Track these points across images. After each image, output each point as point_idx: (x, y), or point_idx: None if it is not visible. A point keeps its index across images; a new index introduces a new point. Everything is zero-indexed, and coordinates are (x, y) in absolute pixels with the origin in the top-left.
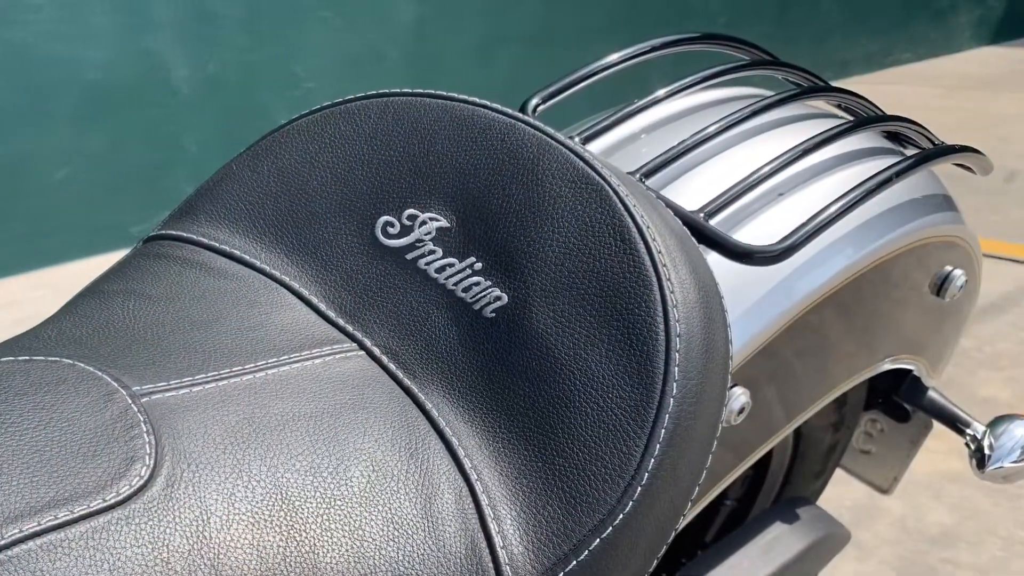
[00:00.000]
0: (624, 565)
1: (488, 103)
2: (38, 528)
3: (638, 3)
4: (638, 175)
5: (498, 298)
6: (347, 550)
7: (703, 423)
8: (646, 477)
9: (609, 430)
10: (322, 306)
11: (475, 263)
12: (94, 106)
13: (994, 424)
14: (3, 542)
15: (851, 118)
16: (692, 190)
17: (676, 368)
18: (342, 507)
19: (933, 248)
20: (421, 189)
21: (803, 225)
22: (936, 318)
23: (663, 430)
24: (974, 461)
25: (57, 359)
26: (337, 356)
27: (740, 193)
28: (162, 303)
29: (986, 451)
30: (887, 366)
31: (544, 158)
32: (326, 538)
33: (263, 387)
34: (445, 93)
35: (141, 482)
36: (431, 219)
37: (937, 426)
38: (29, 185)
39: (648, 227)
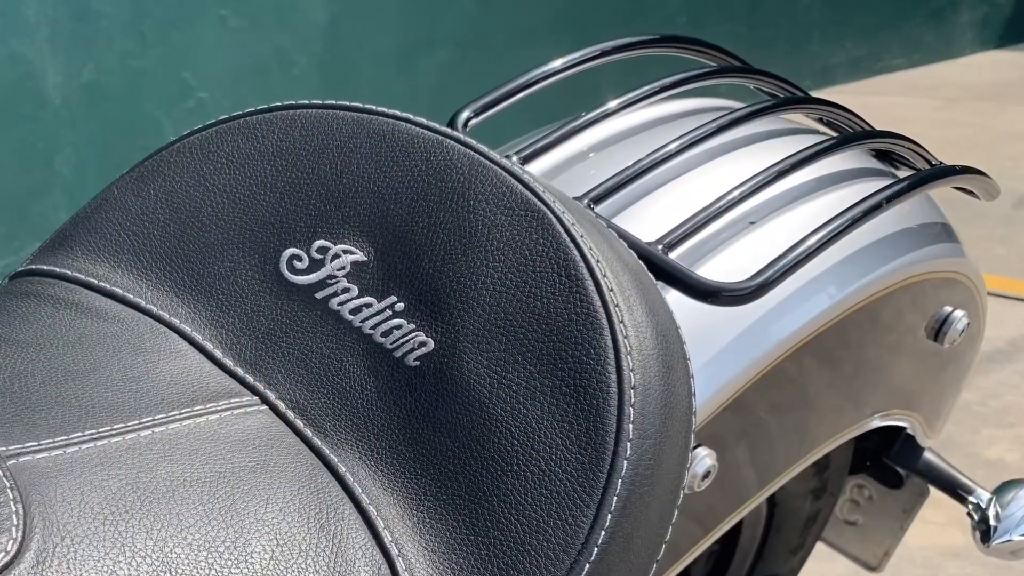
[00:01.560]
0: None
1: (411, 116)
2: None
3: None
4: (586, 201)
5: (423, 344)
6: None
7: (662, 489)
8: (595, 553)
9: (552, 498)
10: (218, 353)
11: (396, 303)
12: None
13: (1001, 491)
14: None
15: (835, 134)
16: (649, 218)
17: (630, 425)
18: None
19: (930, 286)
20: (333, 217)
21: (778, 259)
22: (933, 367)
23: (615, 498)
24: (978, 533)
25: None
26: (236, 411)
27: (705, 222)
28: (31, 349)
29: (991, 522)
30: (876, 423)
31: (476, 180)
32: None
33: (149, 447)
34: (361, 105)
35: (7, 558)
36: (345, 252)
37: (934, 493)
38: None
39: (598, 261)
